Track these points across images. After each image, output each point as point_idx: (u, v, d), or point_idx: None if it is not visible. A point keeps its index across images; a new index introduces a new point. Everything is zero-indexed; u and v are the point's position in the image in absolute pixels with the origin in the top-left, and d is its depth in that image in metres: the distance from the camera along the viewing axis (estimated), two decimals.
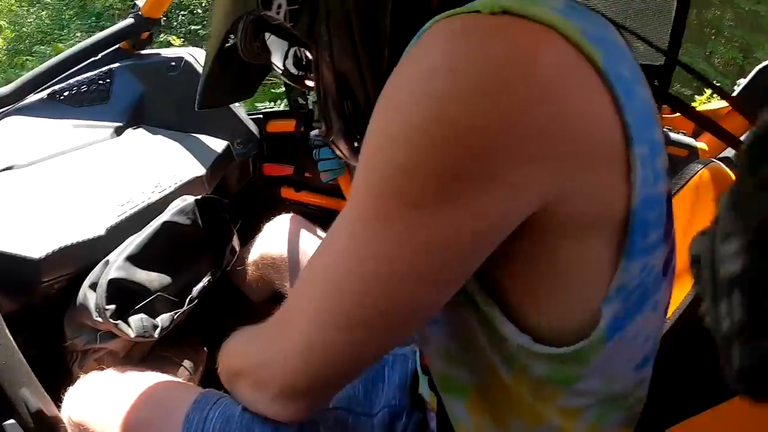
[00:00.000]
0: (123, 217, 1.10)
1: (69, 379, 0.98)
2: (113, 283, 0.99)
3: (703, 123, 0.98)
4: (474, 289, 0.55)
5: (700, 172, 1.00)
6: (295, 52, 0.71)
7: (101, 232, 1.06)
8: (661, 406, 0.67)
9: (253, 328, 0.67)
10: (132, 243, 1.05)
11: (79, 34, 7.69)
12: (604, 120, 0.47)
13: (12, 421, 0.85)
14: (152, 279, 1.06)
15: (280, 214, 1.40)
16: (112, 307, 0.98)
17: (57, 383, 0.95)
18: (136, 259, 1.04)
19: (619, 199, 0.49)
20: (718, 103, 2.03)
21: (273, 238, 1.31)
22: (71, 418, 0.91)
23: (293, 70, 0.72)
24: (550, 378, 0.57)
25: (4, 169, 1.21)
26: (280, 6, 0.63)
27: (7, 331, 0.87)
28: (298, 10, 0.62)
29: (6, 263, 0.95)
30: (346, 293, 0.50)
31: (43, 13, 9.52)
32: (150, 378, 0.91)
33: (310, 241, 1.28)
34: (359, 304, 0.50)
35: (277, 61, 0.72)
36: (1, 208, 1.06)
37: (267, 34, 0.70)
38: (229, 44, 0.76)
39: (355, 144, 0.68)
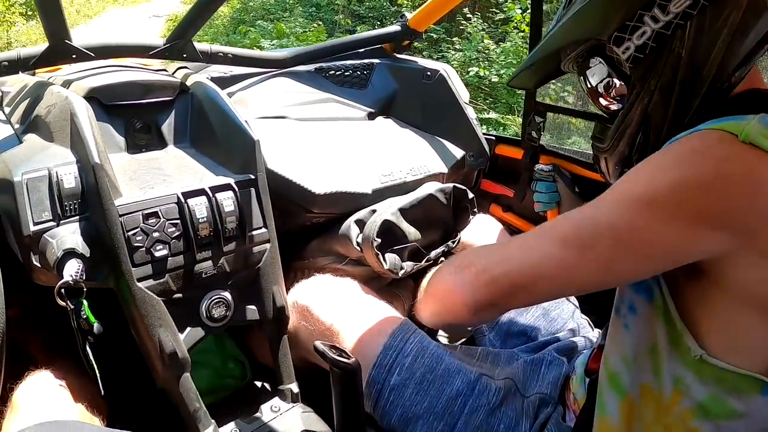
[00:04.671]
0: (384, 185, 1.33)
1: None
2: (385, 223, 1.20)
3: None
4: (670, 305, 0.75)
5: None
6: (610, 81, 0.87)
7: (368, 191, 1.29)
8: None
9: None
10: (403, 200, 1.27)
11: (300, 20, 8.33)
12: None
13: (253, 306, 1.08)
14: (411, 232, 1.27)
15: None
16: (379, 240, 1.18)
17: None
18: (404, 211, 1.25)
19: None
20: None
21: None
22: (297, 302, 1.16)
23: (601, 92, 0.89)
24: (706, 407, 0.72)
25: (278, 117, 1.42)
26: (628, 49, 0.81)
27: (276, 236, 1.09)
28: (641, 59, 0.81)
29: (290, 189, 1.19)
30: (586, 230, 0.73)
31: None
32: (371, 296, 1.17)
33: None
34: (590, 238, 0.72)
35: (592, 80, 0.89)
36: (282, 145, 1.27)
37: (597, 59, 0.87)
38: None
39: (624, 169, 0.87)
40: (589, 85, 0.90)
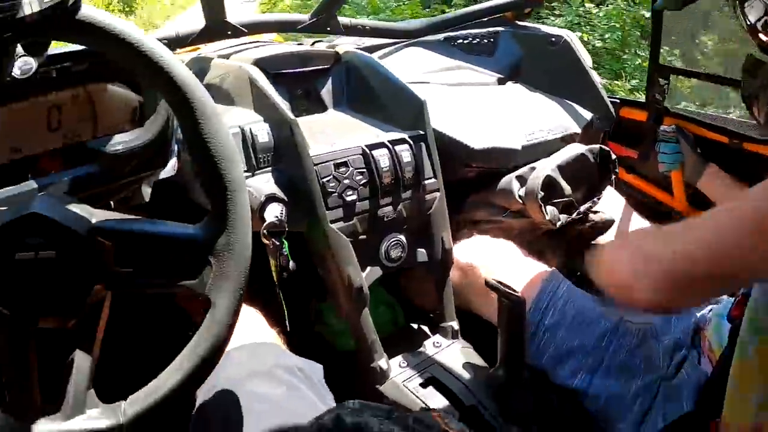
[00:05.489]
0: (530, 143, 1.42)
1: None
2: (548, 178, 1.31)
3: None
4: None
5: None
6: None
7: (518, 146, 1.39)
8: None
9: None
10: (560, 157, 1.38)
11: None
12: None
13: (423, 249, 1.20)
14: (566, 187, 1.36)
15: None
16: (542, 193, 1.29)
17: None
18: (561, 168, 1.35)
19: None
20: None
21: None
22: (459, 260, 1.27)
23: (760, 29, 0.85)
24: None
25: (421, 82, 1.54)
26: None
27: (443, 185, 1.22)
28: None
29: (449, 145, 1.30)
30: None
31: None
32: (525, 253, 1.29)
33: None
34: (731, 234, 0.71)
35: (751, 16, 0.86)
36: (436, 107, 1.36)
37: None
38: None
39: None
40: (747, 24, 0.86)
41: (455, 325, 1.22)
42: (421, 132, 1.19)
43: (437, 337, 1.21)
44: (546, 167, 1.33)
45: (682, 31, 1.77)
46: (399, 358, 1.17)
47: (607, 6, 5.57)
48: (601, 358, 1.04)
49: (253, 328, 1.08)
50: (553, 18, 5.71)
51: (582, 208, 1.37)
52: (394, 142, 1.14)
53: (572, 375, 1.05)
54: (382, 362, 1.12)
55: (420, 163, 1.17)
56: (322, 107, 1.31)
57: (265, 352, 1.00)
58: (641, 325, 1.09)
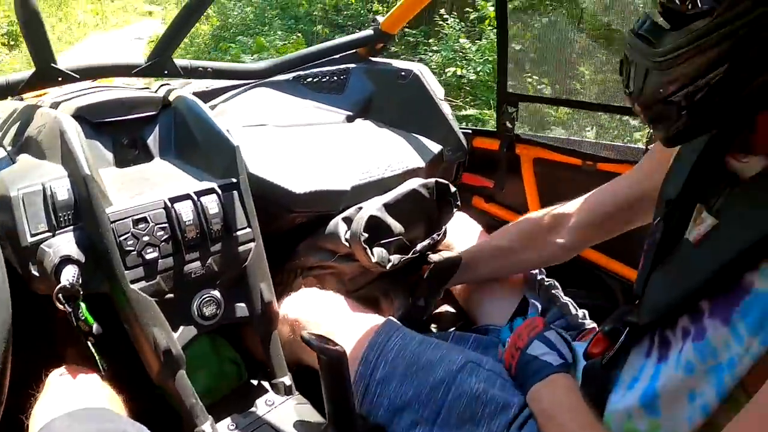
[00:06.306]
0: (363, 182, 1.38)
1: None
2: (371, 218, 1.26)
3: None
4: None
5: None
6: None
7: (347, 188, 1.34)
8: None
9: None
10: (388, 196, 1.33)
11: (280, 33, 8.40)
12: None
13: (242, 304, 1.14)
14: (396, 226, 1.33)
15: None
16: (366, 235, 1.24)
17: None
18: (389, 207, 1.31)
19: None
20: None
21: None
22: (287, 315, 1.22)
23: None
24: None
25: (258, 125, 1.48)
26: None
27: (260, 235, 1.15)
28: None
29: (270, 191, 1.24)
30: None
31: (248, 9, 10.51)
32: (356, 304, 1.22)
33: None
34: None
35: None
36: (262, 149, 1.33)
37: None
38: None
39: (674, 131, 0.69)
40: None
41: (287, 380, 1.15)
42: (234, 180, 1.13)
43: (270, 395, 1.14)
44: (371, 207, 1.28)
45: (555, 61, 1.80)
46: (228, 420, 1.09)
47: (480, 41, 5.79)
48: (439, 408, 0.97)
49: (86, 391, 0.99)
50: (431, 54, 5.89)
51: (419, 247, 1.33)
52: (200, 193, 1.07)
53: (411, 427, 0.97)
54: (206, 427, 1.03)
55: (231, 214, 1.10)
56: (148, 156, 1.23)
57: (90, 418, 0.90)
58: (491, 367, 1.03)
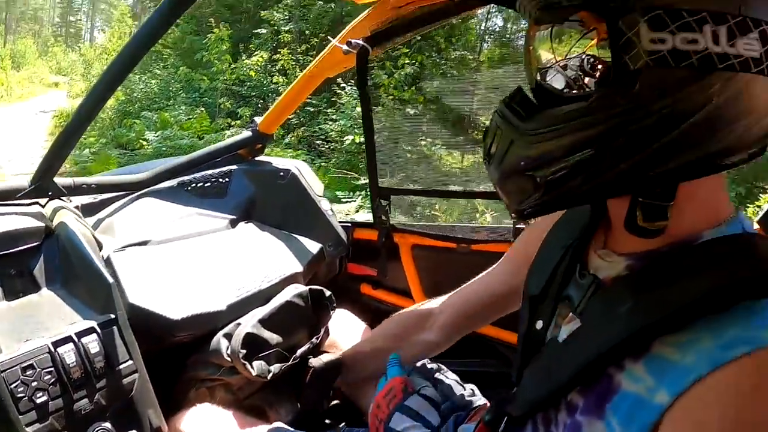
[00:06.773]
0: (239, 298, 1.43)
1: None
2: (248, 336, 1.32)
3: None
4: None
5: None
6: (594, 62, 0.71)
7: (223, 307, 1.39)
8: None
9: None
10: (263, 311, 1.40)
11: (184, 107, 8.41)
12: None
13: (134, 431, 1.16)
14: (273, 338, 1.39)
15: (358, 305, 1.73)
16: (244, 351, 1.30)
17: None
18: (264, 322, 1.38)
19: None
20: None
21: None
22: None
23: (573, 66, 0.72)
24: None
25: (140, 243, 1.51)
26: (662, 42, 0.58)
27: (143, 365, 1.17)
28: (667, 66, 0.59)
29: (149, 319, 1.26)
30: None
31: (153, 82, 10.47)
32: (243, 419, 1.25)
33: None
34: None
35: (573, 44, 0.73)
36: (142, 275, 1.35)
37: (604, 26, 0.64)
38: None
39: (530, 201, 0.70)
40: (560, 42, 0.71)
41: None
42: (112, 316, 1.17)
43: None
44: (247, 324, 1.35)
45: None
46: None
47: (378, 107, 6.01)
48: None
49: None
50: (330, 123, 6.05)
51: (299, 353, 1.39)
52: (81, 334, 1.11)
53: None
54: None
55: (111, 349, 1.14)
56: (35, 287, 1.25)
57: None
58: None
